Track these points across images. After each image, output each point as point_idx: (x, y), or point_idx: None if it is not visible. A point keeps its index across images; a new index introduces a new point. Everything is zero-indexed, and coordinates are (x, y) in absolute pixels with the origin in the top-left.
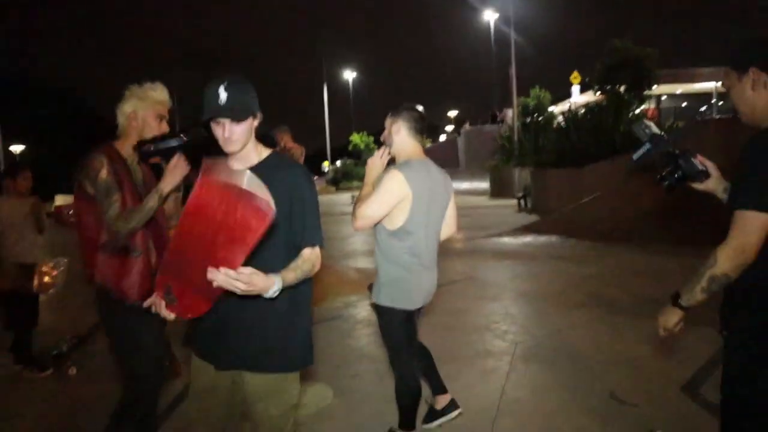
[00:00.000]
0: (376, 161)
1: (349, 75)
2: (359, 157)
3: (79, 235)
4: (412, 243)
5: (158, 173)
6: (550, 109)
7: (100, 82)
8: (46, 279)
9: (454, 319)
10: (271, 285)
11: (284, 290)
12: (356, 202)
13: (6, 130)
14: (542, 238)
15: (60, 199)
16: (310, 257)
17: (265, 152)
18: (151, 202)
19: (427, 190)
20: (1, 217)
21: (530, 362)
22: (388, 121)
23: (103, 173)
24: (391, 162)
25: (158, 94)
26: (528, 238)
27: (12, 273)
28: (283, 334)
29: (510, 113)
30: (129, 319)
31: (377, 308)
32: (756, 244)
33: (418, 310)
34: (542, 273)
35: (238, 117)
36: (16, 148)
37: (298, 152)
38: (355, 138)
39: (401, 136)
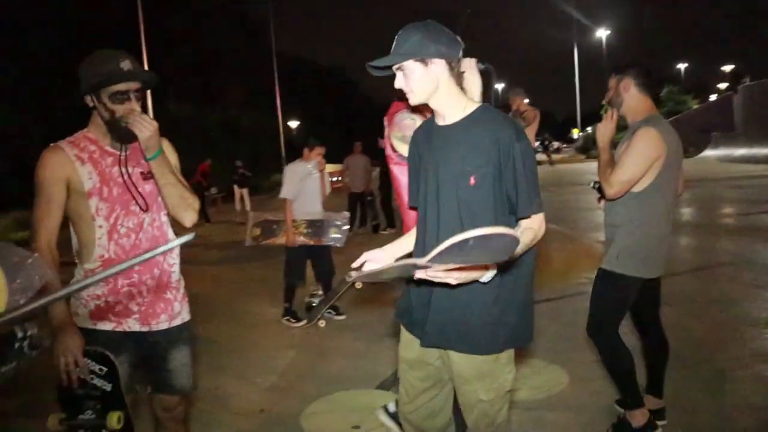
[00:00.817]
0: (607, 125)
1: (602, 33)
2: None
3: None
4: (659, 204)
5: None
6: None
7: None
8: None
9: (723, 309)
10: (484, 272)
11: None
12: (599, 169)
13: (284, 106)
14: None
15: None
16: (531, 226)
17: (471, 106)
18: None
19: (675, 146)
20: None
21: None
22: (612, 81)
23: None
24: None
25: None
26: None
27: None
28: (493, 313)
29: None
30: None
31: (609, 275)
32: None
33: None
34: None
35: (400, 59)
36: (293, 124)
37: (531, 115)
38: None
39: (631, 93)
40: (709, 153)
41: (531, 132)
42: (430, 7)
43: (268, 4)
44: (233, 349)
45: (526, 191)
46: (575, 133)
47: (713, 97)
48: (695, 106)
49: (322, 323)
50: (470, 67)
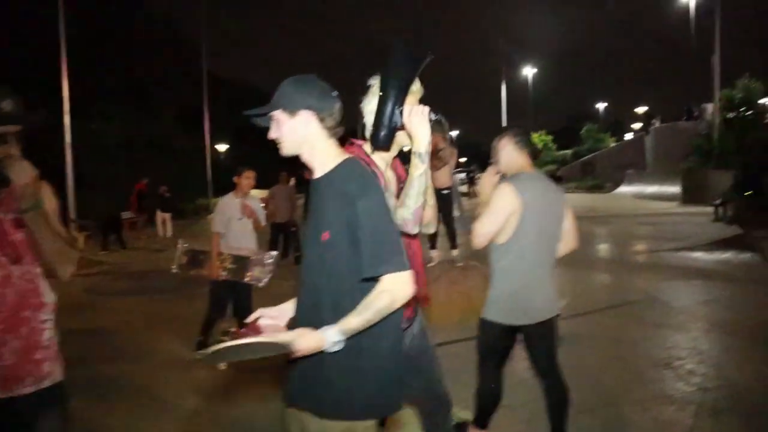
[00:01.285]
0: (487, 179)
1: (528, 71)
2: (536, 157)
3: None
4: (524, 255)
5: None
6: (763, 101)
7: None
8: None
9: (626, 349)
10: (321, 343)
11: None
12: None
13: (217, 129)
14: (744, 256)
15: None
16: (385, 288)
17: (338, 160)
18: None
19: (538, 201)
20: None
21: (722, 416)
22: (495, 142)
23: None
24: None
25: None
26: (726, 255)
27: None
28: (348, 380)
29: (710, 108)
30: None
31: (480, 319)
32: None
33: (533, 327)
34: (742, 300)
35: (268, 109)
36: (221, 147)
37: (448, 153)
38: (534, 137)
39: (507, 150)
40: (623, 189)
41: (448, 170)
42: (379, 36)
43: (201, 24)
44: (135, 392)
45: (370, 251)
46: None
47: (629, 136)
48: (612, 144)
49: (222, 365)
50: (422, 116)
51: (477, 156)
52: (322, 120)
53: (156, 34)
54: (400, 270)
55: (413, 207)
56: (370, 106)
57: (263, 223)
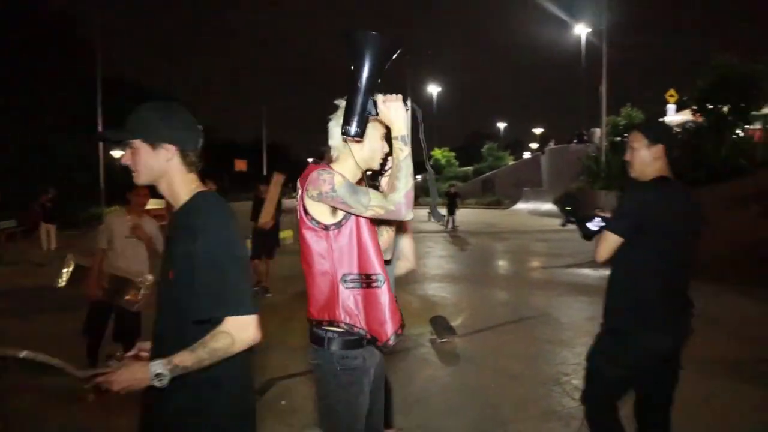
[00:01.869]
0: None
1: (433, 89)
2: (440, 173)
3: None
4: None
5: None
6: None
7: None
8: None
9: (521, 365)
10: (144, 376)
11: (186, 377)
12: None
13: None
14: None
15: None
16: (224, 330)
17: (192, 194)
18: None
19: None
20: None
21: None
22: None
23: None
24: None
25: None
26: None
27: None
28: (187, 421)
29: (598, 132)
30: None
31: None
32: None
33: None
34: None
35: (129, 136)
36: (117, 154)
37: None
38: (437, 153)
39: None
40: (521, 206)
41: None
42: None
43: (95, 23)
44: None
45: (209, 291)
46: None
47: (527, 155)
48: (511, 162)
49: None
50: (397, 101)
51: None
52: (185, 156)
53: (45, 31)
54: (243, 313)
55: (404, 190)
56: (337, 128)
57: (160, 249)
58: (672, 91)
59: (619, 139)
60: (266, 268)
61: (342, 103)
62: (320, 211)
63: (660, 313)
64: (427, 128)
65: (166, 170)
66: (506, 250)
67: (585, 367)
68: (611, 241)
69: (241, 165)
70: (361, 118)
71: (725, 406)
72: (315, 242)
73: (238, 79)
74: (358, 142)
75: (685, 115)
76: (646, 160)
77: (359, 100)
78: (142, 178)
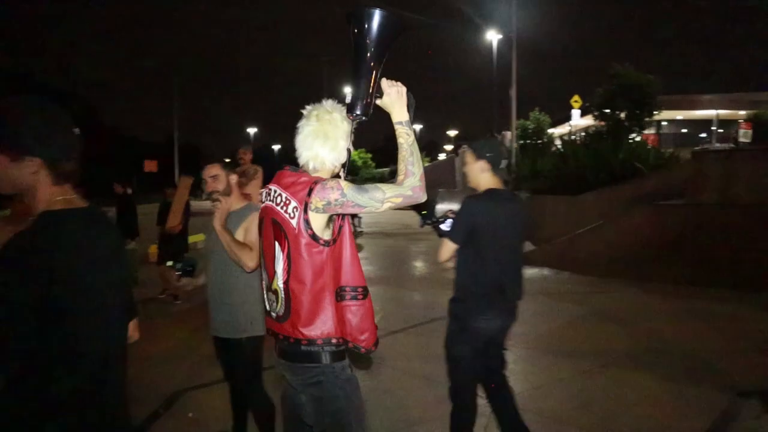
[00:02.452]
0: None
1: (347, 90)
2: (356, 174)
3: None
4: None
5: None
6: (550, 131)
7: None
8: None
9: (431, 366)
10: None
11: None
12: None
13: None
14: (533, 271)
15: None
16: None
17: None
18: None
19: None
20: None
21: None
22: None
23: None
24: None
25: None
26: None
27: None
28: None
29: (508, 135)
30: None
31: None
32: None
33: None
34: (531, 313)
35: None
36: None
37: (252, 171)
38: (353, 154)
39: (254, 183)
40: (437, 207)
41: (255, 188)
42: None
43: None
44: None
45: None
46: None
47: (442, 157)
48: (426, 164)
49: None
50: (400, 87)
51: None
52: (54, 167)
53: None
54: None
55: (419, 173)
56: (302, 135)
57: None
58: (576, 97)
59: (528, 142)
60: (177, 280)
61: (308, 110)
62: (321, 225)
63: (487, 303)
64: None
65: (32, 184)
66: (420, 251)
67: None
68: (449, 247)
69: (151, 166)
70: (372, 98)
71: (620, 395)
72: (313, 258)
73: (152, 76)
74: (365, 119)
75: (589, 120)
76: (474, 173)
77: (372, 79)
78: (3, 189)
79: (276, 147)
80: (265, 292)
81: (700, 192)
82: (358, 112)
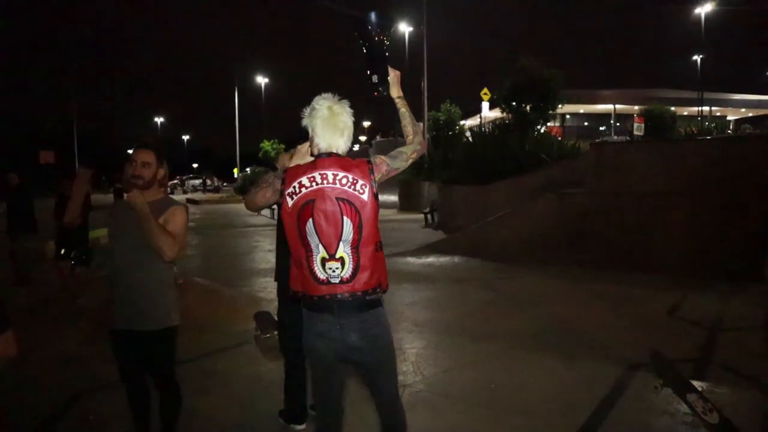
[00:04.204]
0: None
1: (261, 80)
2: (269, 165)
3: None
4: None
5: None
6: (462, 122)
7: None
8: None
9: None
10: None
11: None
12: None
13: None
14: (445, 259)
15: None
16: None
17: None
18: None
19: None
20: None
21: (417, 410)
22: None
23: None
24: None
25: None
26: (431, 258)
27: None
28: None
29: (420, 126)
30: None
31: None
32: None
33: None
34: (442, 298)
35: None
36: None
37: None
38: (266, 145)
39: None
40: None
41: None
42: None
43: None
44: None
45: None
46: (235, 172)
47: (356, 148)
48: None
49: None
50: (398, 72)
51: (209, 162)
52: None
53: None
54: None
55: (420, 131)
56: (319, 126)
57: None
58: (486, 90)
59: (441, 133)
60: (71, 270)
61: (320, 103)
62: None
63: None
64: (258, 119)
65: None
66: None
67: None
68: None
69: (47, 157)
70: (385, 77)
71: (525, 374)
72: (376, 222)
73: (47, 59)
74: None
75: (497, 112)
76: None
77: (383, 67)
78: None
79: (185, 137)
80: (318, 264)
81: (598, 181)
82: (381, 89)
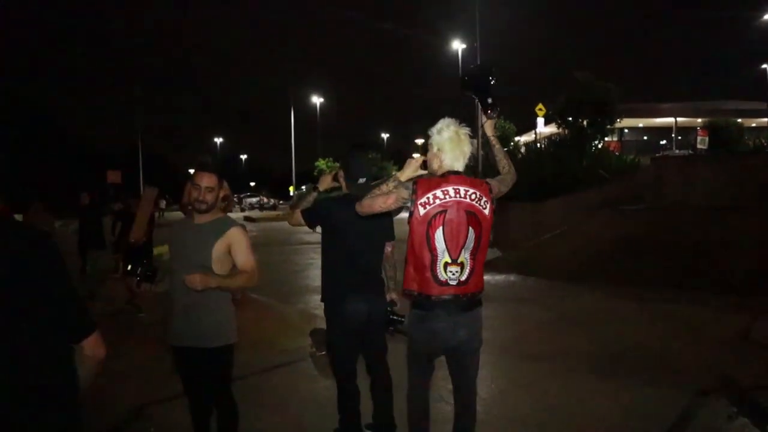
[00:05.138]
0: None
1: (316, 100)
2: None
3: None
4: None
5: None
6: (516, 138)
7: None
8: None
9: (400, 375)
10: None
11: None
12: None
13: None
14: (500, 277)
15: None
16: None
17: None
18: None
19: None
20: None
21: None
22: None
23: None
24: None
25: None
26: (486, 276)
27: None
28: None
29: (475, 143)
30: None
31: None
32: None
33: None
34: (497, 317)
35: None
36: None
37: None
38: (321, 163)
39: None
40: (404, 214)
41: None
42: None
43: None
44: None
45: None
46: (291, 190)
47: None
48: (395, 172)
49: None
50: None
51: (266, 180)
52: None
53: None
54: None
55: (512, 163)
56: (447, 146)
57: None
58: (540, 105)
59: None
60: (137, 286)
61: (448, 124)
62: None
63: (349, 289)
64: (312, 138)
65: None
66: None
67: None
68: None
69: (114, 176)
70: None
71: (583, 397)
72: (490, 234)
73: (115, 87)
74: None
75: (553, 128)
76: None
77: (490, 101)
78: None
79: (243, 156)
80: (441, 267)
81: (660, 196)
82: (495, 114)
